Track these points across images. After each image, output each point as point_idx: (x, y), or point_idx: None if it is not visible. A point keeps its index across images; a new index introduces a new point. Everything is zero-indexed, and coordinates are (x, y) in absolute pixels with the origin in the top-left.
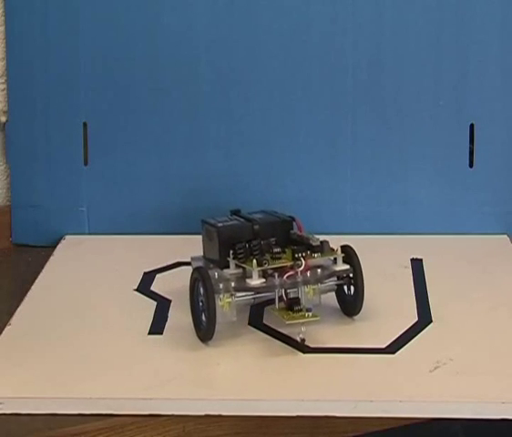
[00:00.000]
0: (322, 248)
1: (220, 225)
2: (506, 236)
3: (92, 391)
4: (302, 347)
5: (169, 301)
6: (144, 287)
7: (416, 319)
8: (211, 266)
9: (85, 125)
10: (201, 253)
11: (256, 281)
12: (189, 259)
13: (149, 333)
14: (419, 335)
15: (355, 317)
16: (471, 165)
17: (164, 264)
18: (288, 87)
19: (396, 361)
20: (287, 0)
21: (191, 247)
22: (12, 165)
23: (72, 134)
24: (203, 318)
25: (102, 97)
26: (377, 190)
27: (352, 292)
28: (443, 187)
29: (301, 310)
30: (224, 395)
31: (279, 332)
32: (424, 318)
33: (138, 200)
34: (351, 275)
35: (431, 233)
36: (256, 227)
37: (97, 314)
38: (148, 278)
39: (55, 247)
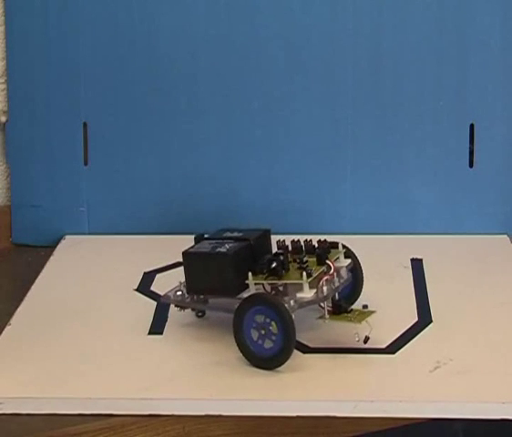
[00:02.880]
0: (329, 248)
1: (224, 251)
2: (506, 236)
3: (92, 391)
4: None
5: None
6: (144, 287)
7: (416, 319)
8: (208, 296)
9: (85, 125)
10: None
11: (309, 294)
12: None
13: (149, 333)
14: (419, 335)
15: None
16: (471, 165)
17: (164, 264)
18: (288, 87)
19: (396, 361)
20: (286, 0)
21: None
22: (12, 165)
23: (72, 134)
24: (265, 344)
25: (102, 97)
26: (377, 190)
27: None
28: (443, 187)
29: (352, 310)
30: (224, 395)
31: None
32: (424, 318)
33: (138, 200)
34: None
35: (431, 233)
36: (252, 243)
37: (97, 314)
38: (148, 278)
39: (55, 247)
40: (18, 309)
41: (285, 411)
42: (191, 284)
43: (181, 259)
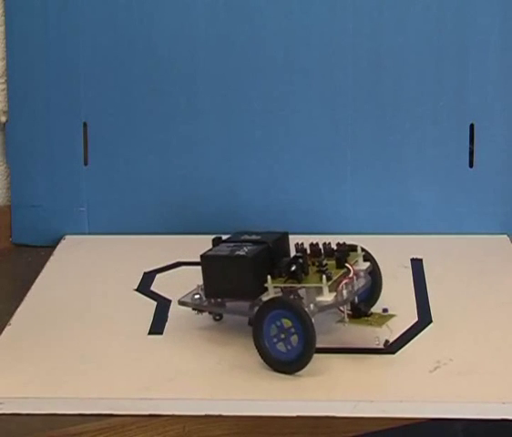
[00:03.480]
0: (348, 251)
1: (243, 254)
2: (506, 236)
3: (92, 391)
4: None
5: (169, 301)
6: (144, 287)
7: (416, 319)
8: (223, 300)
9: (85, 125)
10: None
11: (329, 298)
12: (189, 259)
13: (149, 333)
14: (419, 335)
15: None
16: (471, 165)
17: (164, 264)
18: (287, 87)
19: (396, 361)
20: (286, 0)
21: (191, 247)
22: (12, 165)
23: (72, 134)
24: (284, 348)
25: (102, 97)
26: (377, 190)
27: None
28: (443, 187)
29: (372, 313)
30: (224, 395)
31: None
32: (425, 318)
33: (138, 200)
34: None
35: (431, 233)
36: (271, 245)
37: (97, 314)
38: (148, 278)
39: (55, 247)
40: (18, 309)
41: (285, 411)
42: (210, 287)
43: (181, 259)
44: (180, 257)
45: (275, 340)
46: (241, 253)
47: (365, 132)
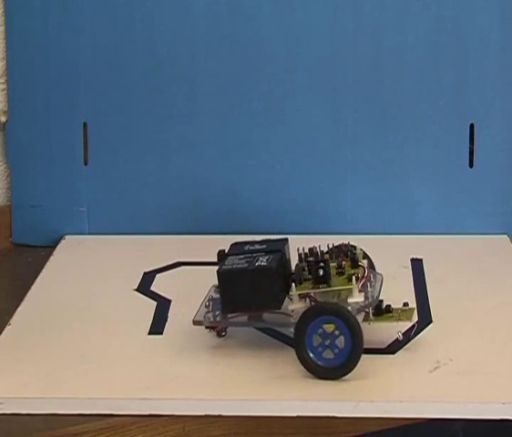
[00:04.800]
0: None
1: (264, 264)
2: (506, 236)
3: (92, 391)
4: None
5: (169, 301)
6: (144, 287)
7: (416, 319)
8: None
9: (85, 125)
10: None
11: (360, 299)
12: (189, 259)
13: (149, 333)
14: (419, 335)
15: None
16: (471, 165)
17: (164, 264)
18: (287, 87)
19: (396, 362)
20: (287, 0)
21: (191, 247)
22: (12, 165)
23: (72, 134)
24: (331, 354)
25: (102, 97)
26: (377, 190)
27: None
28: (443, 187)
29: (393, 309)
30: (224, 395)
31: (279, 332)
32: (425, 318)
33: (138, 200)
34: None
35: (431, 233)
36: (284, 252)
37: (97, 314)
38: (148, 278)
39: (55, 247)
40: (18, 309)
41: (285, 411)
42: (229, 302)
43: (181, 259)
44: (180, 257)
45: (320, 347)
46: (263, 264)
47: (365, 132)
